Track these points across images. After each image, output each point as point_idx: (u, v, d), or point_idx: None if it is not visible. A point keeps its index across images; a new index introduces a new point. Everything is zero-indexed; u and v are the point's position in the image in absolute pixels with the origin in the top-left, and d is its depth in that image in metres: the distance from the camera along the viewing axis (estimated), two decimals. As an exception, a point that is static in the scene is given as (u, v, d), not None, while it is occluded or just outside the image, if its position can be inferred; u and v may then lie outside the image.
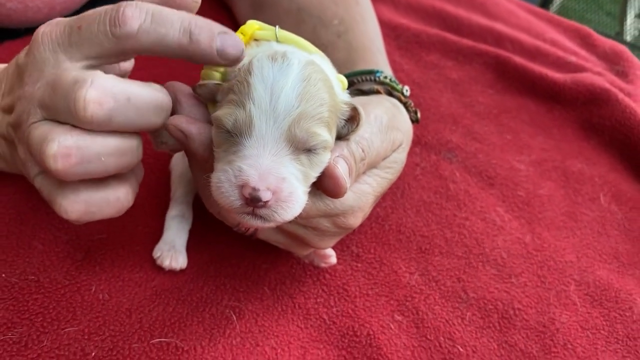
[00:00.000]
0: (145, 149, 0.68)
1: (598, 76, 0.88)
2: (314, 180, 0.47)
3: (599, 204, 0.76)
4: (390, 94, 0.64)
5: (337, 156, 0.48)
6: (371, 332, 0.59)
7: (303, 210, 0.46)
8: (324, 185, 0.47)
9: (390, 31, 0.93)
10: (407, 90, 0.66)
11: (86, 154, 0.43)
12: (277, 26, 0.52)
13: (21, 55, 0.49)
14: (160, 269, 0.59)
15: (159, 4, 0.46)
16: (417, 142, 0.79)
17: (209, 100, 0.49)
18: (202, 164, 0.48)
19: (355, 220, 0.53)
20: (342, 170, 0.47)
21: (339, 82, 0.51)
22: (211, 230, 0.64)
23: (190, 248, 0.62)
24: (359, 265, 0.65)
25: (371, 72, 0.65)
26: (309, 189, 0.46)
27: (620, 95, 0.84)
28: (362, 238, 0.67)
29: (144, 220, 0.65)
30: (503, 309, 0.63)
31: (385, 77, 0.64)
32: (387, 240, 0.68)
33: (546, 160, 0.80)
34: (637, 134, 0.80)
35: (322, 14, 0.74)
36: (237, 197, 0.43)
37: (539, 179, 0.78)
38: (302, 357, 0.56)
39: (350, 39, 0.71)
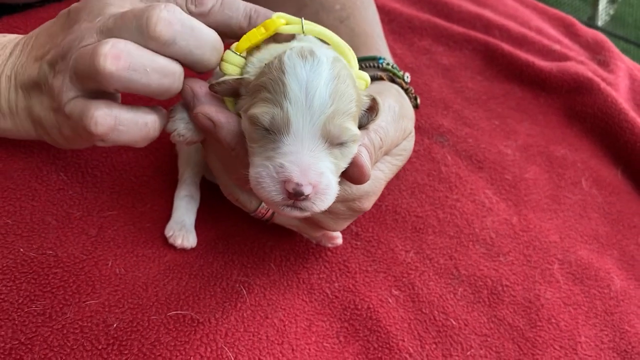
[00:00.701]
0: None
1: (581, 65, 0.93)
2: (343, 169, 0.50)
3: (580, 188, 0.81)
4: (392, 80, 0.67)
5: (360, 145, 0.51)
6: (371, 306, 0.63)
7: None
8: (349, 173, 0.50)
9: (384, 15, 0.95)
10: (407, 77, 0.69)
11: (135, 61, 0.47)
12: (302, 18, 0.54)
13: (74, 5, 0.53)
14: (171, 245, 0.62)
15: None
16: (411, 125, 0.83)
17: (226, 95, 0.51)
18: (228, 152, 0.51)
19: (369, 204, 0.57)
20: (365, 158, 0.50)
21: (363, 80, 0.54)
22: (217, 210, 0.66)
23: (199, 226, 0.64)
24: (359, 243, 0.68)
25: (374, 59, 0.68)
26: (339, 179, 0.49)
27: (603, 85, 0.88)
28: (361, 218, 0.71)
29: (152, 198, 0.67)
30: (492, 286, 0.68)
31: (388, 64, 0.67)
32: (384, 220, 0.72)
33: (532, 146, 0.85)
34: (617, 122, 0.85)
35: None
36: (279, 192, 0.46)
37: (525, 163, 0.82)
38: (308, 328, 0.59)
39: (352, 25, 0.73)
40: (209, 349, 0.54)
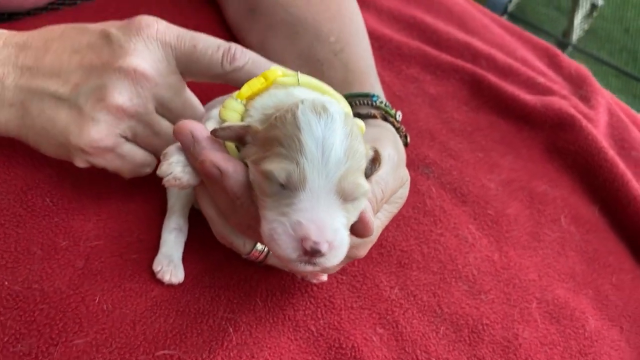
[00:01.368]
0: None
1: (564, 100, 0.95)
2: (353, 222, 0.50)
3: (559, 225, 0.83)
4: (385, 118, 0.67)
5: None
6: (355, 345, 0.63)
7: None
8: (355, 228, 0.51)
9: (373, 41, 0.95)
10: (399, 115, 0.69)
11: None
12: (298, 72, 0.54)
13: (110, 29, 0.59)
14: (158, 280, 0.62)
15: None
16: (397, 156, 0.83)
17: (229, 140, 0.51)
18: (233, 200, 0.51)
19: (365, 251, 0.58)
20: (369, 213, 0.51)
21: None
22: (204, 242, 0.66)
23: (185, 258, 0.64)
24: (344, 277, 0.69)
25: (367, 96, 0.68)
26: (349, 232, 0.50)
27: (584, 122, 0.90)
28: (347, 252, 0.71)
29: (138, 227, 0.66)
30: (473, 325, 0.69)
31: (381, 102, 0.68)
32: (370, 254, 0.72)
33: (514, 180, 0.86)
34: (596, 161, 0.87)
35: (318, 30, 0.76)
36: (295, 249, 0.47)
37: (507, 198, 0.84)
38: (293, 368, 0.60)
39: (346, 59, 0.73)
40: (196, 391, 0.54)
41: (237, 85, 0.57)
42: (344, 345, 0.63)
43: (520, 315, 0.72)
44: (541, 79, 0.99)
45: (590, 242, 0.82)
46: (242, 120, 0.54)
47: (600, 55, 2.83)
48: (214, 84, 0.64)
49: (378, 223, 0.58)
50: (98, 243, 0.63)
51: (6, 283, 0.56)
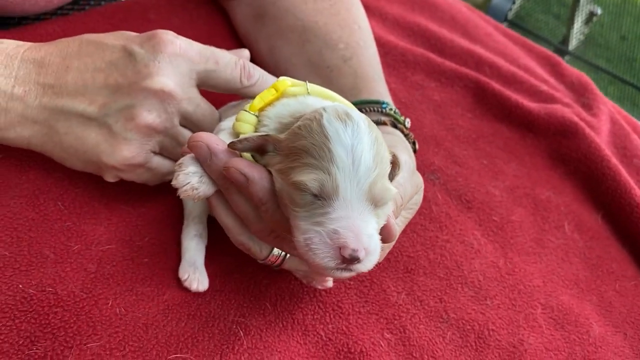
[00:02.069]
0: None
1: (567, 108, 0.96)
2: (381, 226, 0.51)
3: (563, 232, 0.83)
4: (394, 125, 0.68)
5: None
6: (364, 349, 0.64)
7: None
8: (380, 234, 0.52)
9: (379, 48, 0.96)
10: (408, 122, 0.70)
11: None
12: (307, 81, 0.55)
13: (132, 46, 0.60)
14: (169, 282, 0.62)
15: None
16: (403, 162, 0.84)
17: (247, 151, 0.52)
18: (259, 206, 0.51)
19: (383, 258, 0.58)
20: (392, 219, 0.52)
21: None
22: (215, 247, 0.67)
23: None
24: (351, 283, 0.70)
25: (377, 103, 0.69)
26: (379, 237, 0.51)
27: (587, 130, 0.91)
28: (355, 257, 0.72)
29: (149, 231, 0.67)
30: (479, 330, 0.70)
31: (391, 109, 0.69)
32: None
33: (518, 187, 0.87)
34: (599, 168, 0.88)
35: (327, 37, 0.77)
36: (333, 257, 0.48)
37: (512, 205, 0.85)
38: (302, 372, 0.60)
39: (355, 66, 0.74)
40: (208, 395, 0.54)
41: (247, 97, 0.62)
42: (352, 350, 0.64)
43: (526, 320, 0.72)
44: (544, 87, 1.00)
45: (594, 249, 0.83)
46: (255, 131, 0.55)
47: (598, 63, 2.85)
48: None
49: (396, 229, 0.59)
50: (110, 247, 0.64)
51: (20, 286, 0.57)
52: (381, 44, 0.98)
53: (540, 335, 0.72)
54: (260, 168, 0.51)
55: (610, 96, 1.30)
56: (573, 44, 3.01)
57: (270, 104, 0.55)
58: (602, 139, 0.95)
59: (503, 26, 1.16)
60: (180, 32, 0.64)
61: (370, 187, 0.48)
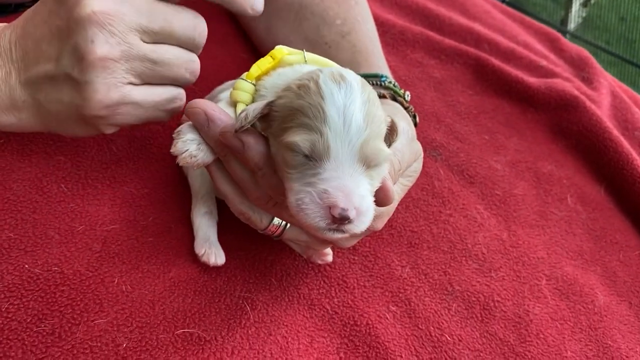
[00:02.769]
0: (154, 143, 0.71)
1: (568, 82, 0.95)
2: (376, 189, 0.51)
3: (566, 204, 0.84)
4: (394, 98, 0.68)
5: None
6: (370, 322, 0.64)
7: None
8: (376, 196, 0.52)
9: (378, 26, 0.95)
10: (408, 95, 0.70)
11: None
12: (304, 50, 0.55)
13: None
14: (174, 260, 0.63)
15: None
16: (405, 139, 0.84)
17: (251, 123, 0.52)
18: (255, 172, 0.51)
19: (381, 224, 0.58)
20: (389, 181, 0.52)
21: None
22: (219, 224, 0.67)
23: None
24: (356, 258, 0.70)
25: (376, 76, 0.69)
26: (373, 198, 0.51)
27: (588, 103, 0.91)
28: (358, 232, 0.72)
29: (152, 211, 0.67)
30: (484, 301, 0.70)
31: (390, 82, 0.69)
32: (380, 234, 0.73)
33: (520, 161, 0.87)
34: (601, 140, 0.88)
35: (324, 13, 0.77)
36: (324, 217, 0.48)
37: (514, 179, 0.85)
38: (309, 345, 0.61)
39: (353, 41, 0.74)
40: (216, 368, 0.55)
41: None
42: (358, 323, 0.64)
43: (531, 292, 0.73)
44: (544, 62, 1.00)
45: (597, 221, 0.83)
46: (253, 100, 0.55)
47: (598, 44, 2.84)
48: (223, 65, 0.64)
49: (395, 196, 0.59)
50: (114, 227, 0.64)
51: (26, 266, 0.57)
52: (380, 23, 0.97)
53: (546, 305, 0.72)
54: (255, 133, 0.51)
55: (610, 77, 1.30)
56: (572, 26, 3.00)
57: (267, 72, 0.55)
58: (603, 112, 0.95)
59: (502, 4, 1.16)
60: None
61: (362, 147, 0.48)
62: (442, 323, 0.67)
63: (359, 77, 0.51)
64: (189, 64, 0.58)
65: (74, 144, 0.69)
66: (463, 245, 0.75)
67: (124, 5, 0.53)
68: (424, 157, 0.83)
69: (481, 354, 0.66)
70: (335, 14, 0.77)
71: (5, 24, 0.61)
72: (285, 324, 0.61)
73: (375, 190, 0.51)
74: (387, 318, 0.66)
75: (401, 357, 0.63)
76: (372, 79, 0.69)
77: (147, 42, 0.55)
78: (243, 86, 0.55)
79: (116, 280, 0.58)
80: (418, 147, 0.62)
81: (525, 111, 0.94)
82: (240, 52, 0.87)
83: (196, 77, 0.60)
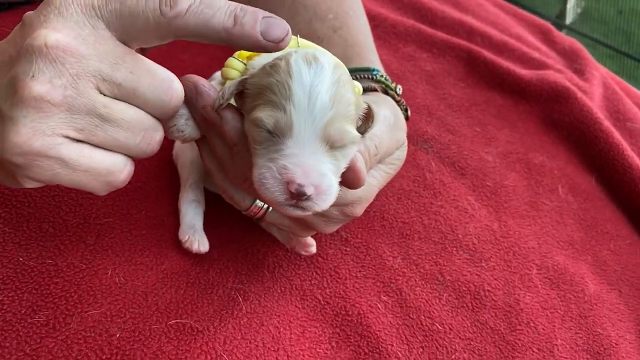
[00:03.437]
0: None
1: (559, 74, 0.96)
2: (343, 170, 0.52)
3: (557, 195, 0.84)
4: (385, 92, 0.69)
5: (356, 151, 0.53)
6: (361, 312, 0.65)
7: None
8: (345, 177, 0.52)
9: (370, 20, 0.96)
10: (400, 89, 0.71)
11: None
12: (298, 35, 0.55)
13: (27, 13, 0.48)
14: (167, 252, 0.63)
15: None
16: (397, 132, 0.85)
17: (229, 99, 0.53)
18: (230, 148, 0.52)
19: (361, 210, 0.59)
20: (361, 164, 0.52)
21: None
22: (211, 217, 0.68)
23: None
24: (348, 249, 0.71)
25: (368, 70, 0.70)
26: (339, 179, 0.52)
27: (579, 94, 0.92)
28: (350, 224, 0.73)
29: (145, 205, 0.68)
30: (475, 291, 0.71)
31: (382, 76, 0.69)
32: (372, 226, 0.74)
33: (511, 153, 0.88)
34: (592, 131, 0.89)
35: (317, 7, 0.77)
36: (282, 192, 0.49)
37: (505, 170, 0.85)
38: (301, 334, 0.62)
39: (345, 35, 0.75)
40: (208, 357, 0.56)
41: (194, 36, 0.49)
42: (350, 313, 0.65)
43: (521, 281, 0.73)
44: (536, 54, 1.01)
45: (588, 211, 0.84)
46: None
47: (596, 37, 2.84)
48: (214, 60, 0.65)
49: (374, 182, 0.60)
50: (108, 220, 0.65)
51: (21, 259, 0.58)
52: (371, 17, 0.98)
53: (536, 294, 0.73)
54: (233, 109, 0.52)
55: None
56: (569, 19, 3.00)
57: (253, 57, 0.56)
58: (594, 104, 0.95)
59: (494, -4, 1.16)
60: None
61: (326, 127, 0.48)
62: (433, 312, 0.68)
63: (334, 59, 0.52)
64: (149, 132, 0.49)
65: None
66: (454, 235, 0.76)
67: (86, 45, 0.45)
68: (415, 150, 0.85)
69: (472, 342, 0.66)
70: (328, 8, 0.78)
71: None
72: (277, 314, 0.62)
73: (341, 171, 0.52)
74: (378, 308, 0.66)
75: (392, 346, 0.64)
76: (364, 72, 0.70)
77: (105, 95, 0.47)
78: (233, 64, 0.56)
79: (109, 272, 0.59)
80: (401, 135, 0.62)
81: (517, 103, 0.94)
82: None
83: (154, 151, 0.51)
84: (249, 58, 0.57)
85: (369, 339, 0.63)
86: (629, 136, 0.95)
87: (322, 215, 0.58)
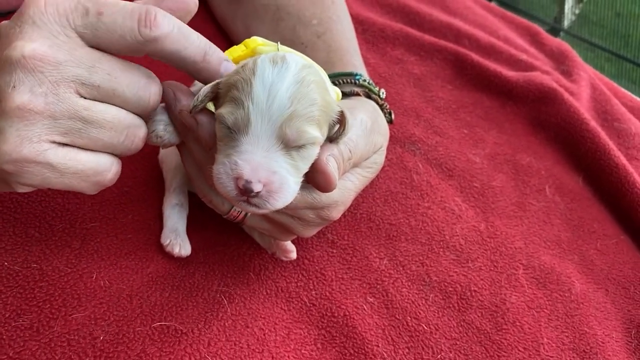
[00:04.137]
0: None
1: (546, 75, 0.97)
2: (305, 171, 0.52)
3: (544, 195, 0.85)
4: (368, 96, 0.70)
5: (329, 155, 0.54)
6: (347, 313, 0.65)
7: (292, 202, 0.52)
8: (317, 181, 0.53)
9: (357, 25, 0.97)
10: (383, 93, 0.71)
11: None
12: (278, 42, 0.56)
13: (3, 25, 0.49)
14: (152, 256, 0.64)
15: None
16: (384, 135, 0.85)
17: (204, 104, 0.54)
18: (206, 151, 0.53)
19: (337, 213, 0.60)
20: (332, 167, 0.53)
21: (334, 93, 0.56)
22: (197, 220, 0.68)
23: (179, 236, 0.66)
24: (334, 251, 0.71)
25: (351, 75, 0.70)
26: (301, 180, 0.52)
27: (566, 95, 0.92)
28: (337, 226, 0.73)
29: (132, 209, 0.69)
30: (461, 291, 0.71)
31: (364, 80, 0.70)
32: (359, 227, 0.74)
33: (499, 154, 0.88)
34: (579, 132, 0.89)
35: (300, 13, 0.78)
36: (233, 188, 0.49)
37: (492, 171, 0.86)
38: (287, 336, 0.62)
39: (329, 40, 0.75)
40: (192, 359, 0.56)
41: (164, 59, 0.51)
42: (335, 314, 0.65)
43: (508, 281, 0.74)
44: (523, 56, 1.01)
45: (575, 210, 0.84)
46: None
47: (593, 40, 2.85)
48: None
49: (350, 185, 0.60)
50: (94, 224, 0.65)
51: (6, 264, 0.58)
52: (359, 21, 0.99)
53: (522, 294, 0.73)
54: (208, 112, 0.53)
55: (606, 74, 1.31)
56: (566, 22, 3.01)
57: (239, 60, 0.56)
58: (582, 105, 0.96)
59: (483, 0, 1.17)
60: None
61: (283, 126, 0.49)
62: (419, 313, 0.68)
63: (306, 62, 0.53)
64: (132, 129, 0.51)
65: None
66: (441, 236, 0.76)
67: (62, 52, 0.47)
68: (403, 152, 0.85)
69: (457, 342, 0.67)
70: (312, 14, 0.78)
71: None
72: (262, 316, 0.63)
73: (302, 172, 0.52)
74: (364, 309, 0.67)
75: (378, 347, 0.64)
76: (347, 77, 0.70)
77: (86, 98, 0.49)
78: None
79: (94, 276, 0.60)
80: (378, 139, 0.62)
81: (505, 104, 0.95)
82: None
83: (138, 148, 0.53)
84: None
85: (354, 340, 0.63)
86: (617, 136, 0.95)
87: (299, 218, 0.59)
